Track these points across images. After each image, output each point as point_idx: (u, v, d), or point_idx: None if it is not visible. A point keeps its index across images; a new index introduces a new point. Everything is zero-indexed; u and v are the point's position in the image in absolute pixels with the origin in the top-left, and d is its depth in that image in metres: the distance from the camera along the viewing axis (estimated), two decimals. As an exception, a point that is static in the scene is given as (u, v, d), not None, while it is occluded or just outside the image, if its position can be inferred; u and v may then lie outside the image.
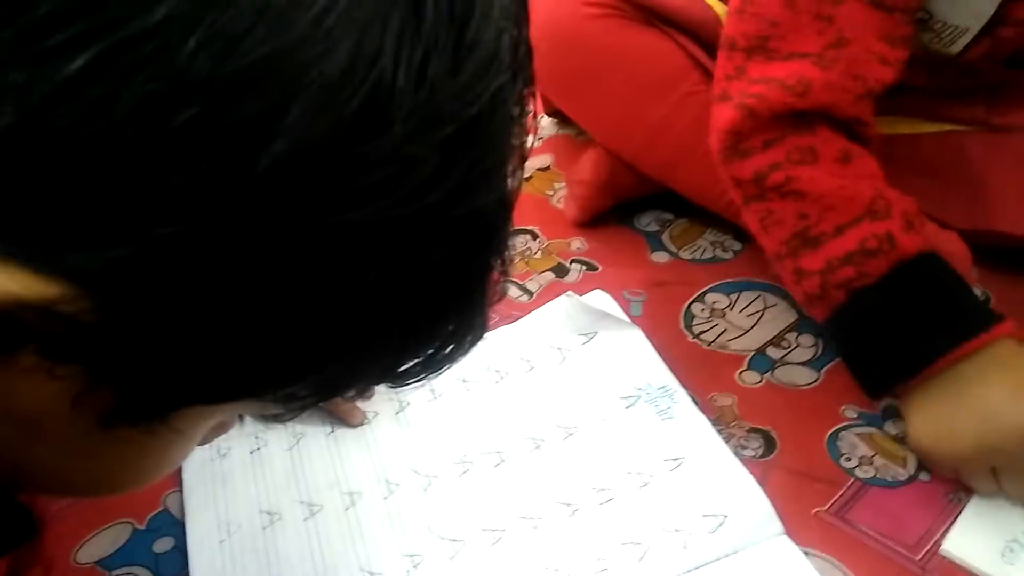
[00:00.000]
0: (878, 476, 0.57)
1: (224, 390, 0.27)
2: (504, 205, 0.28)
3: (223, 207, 0.21)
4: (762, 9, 0.56)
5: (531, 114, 0.28)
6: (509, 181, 0.28)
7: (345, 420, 0.62)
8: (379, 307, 0.25)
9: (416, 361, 0.30)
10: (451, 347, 0.30)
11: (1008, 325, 0.53)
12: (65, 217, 0.21)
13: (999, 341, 0.52)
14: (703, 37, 0.72)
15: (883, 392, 0.57)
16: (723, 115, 0.57)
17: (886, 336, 0.54)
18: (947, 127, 0.70)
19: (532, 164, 0.91)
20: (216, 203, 0.21)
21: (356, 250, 0.23)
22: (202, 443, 0.36)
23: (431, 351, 0.30)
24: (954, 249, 0.62)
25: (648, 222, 0.82)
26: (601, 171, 0.77)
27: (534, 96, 0.27)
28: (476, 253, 0.27)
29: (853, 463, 0.58)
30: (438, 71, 0.21)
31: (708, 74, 0.71)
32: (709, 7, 0.72)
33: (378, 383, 0.33)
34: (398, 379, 0.31)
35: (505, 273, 0.31)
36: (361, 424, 0.62)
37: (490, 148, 0.24)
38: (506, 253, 0.30)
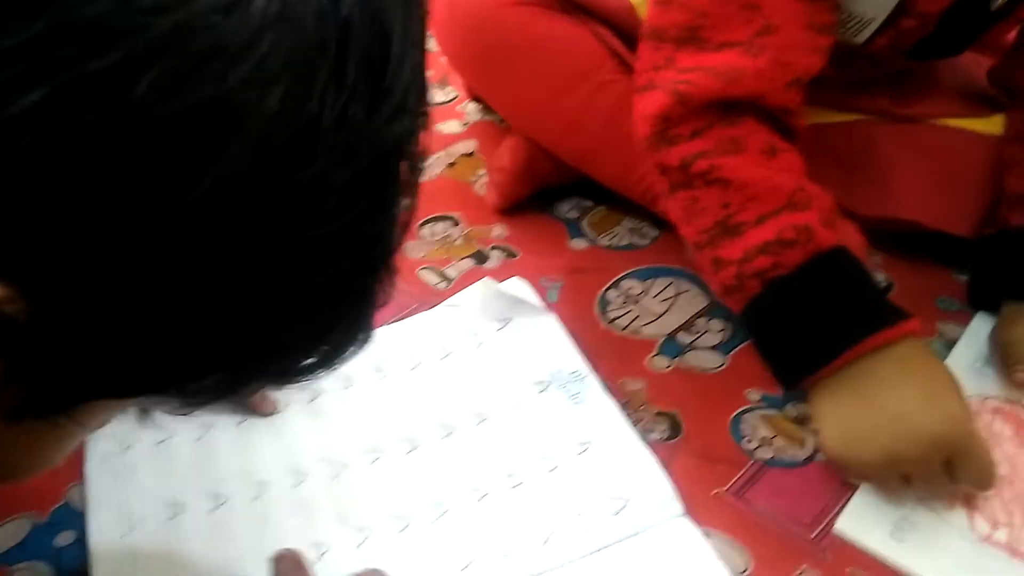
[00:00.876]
0: (777, 457, 0.58)
1: (132, 386, 0.29)
2: (399, 226, 0.31)
3: (164, 225, 0.24)
4: (691, 0, 0.56)
5: (423, 153, 0.31)
6: (404, 203, 0.31)
7: (256, 410, 0.61)
8: (285, 312, 0.28)
9: (312, 360, 0.32)
10: (344, 347, 0.33)
11: (914, 323, 0.54)
12: (12, 227, 0.23)
13: (906, 340, 0.53)
14: (619, 26, 0.72)
15: (794, 383, 0.57)
16: (652, 101, 0.57)
17: (797, 327, 0.55)
18: (854, 117, 0.72)
19: (456, 150, 0.91)
20: (156, 222, 0.24)
21: (276, 262, 0.26)
22: (91, 431, 0.37)
23: (327, 351, 0.32)
24: (851, 239, 0.63)
25: (568, 209, 0.82)
26: (520, 158, 0.77)
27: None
28: (374, 266, 0.30)
29: (754, 444, 0.59)
30: (357, 114, 0.25)
31: (624, 63, 0.72)
32: (626, -5, 0.73)
33: (276, 382, 0.36)
34: (295, 376, 0.33)
35: (391, 280, 0.34)
36: (272, 414, 0.61)
37: (394, 178, 0.28)
38: (392, 264, 0.33)
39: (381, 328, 0.68)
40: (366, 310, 0.32)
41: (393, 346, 0.66)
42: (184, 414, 0.58)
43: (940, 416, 0.51)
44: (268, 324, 0.28)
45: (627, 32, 0.73)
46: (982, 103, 0.70)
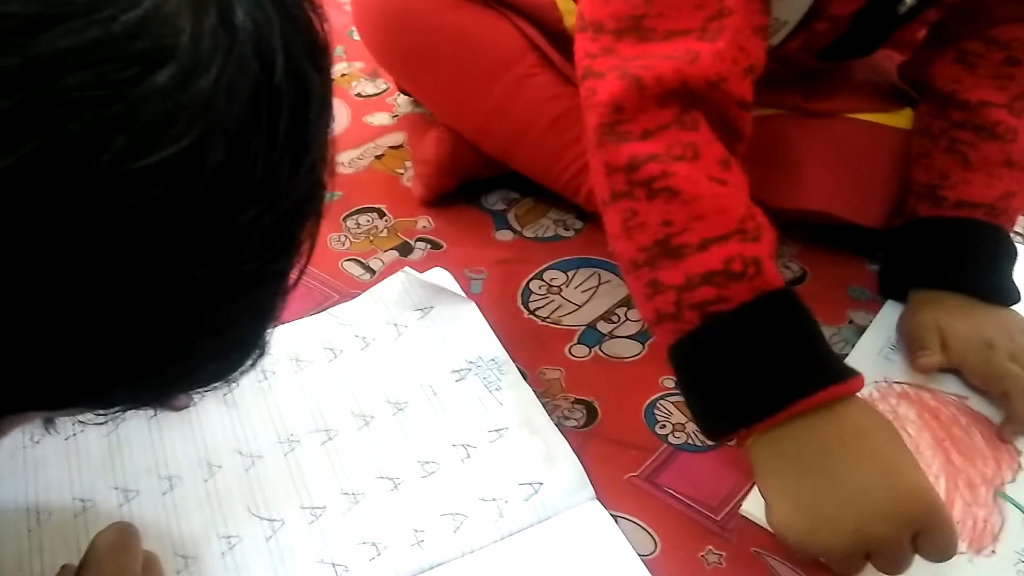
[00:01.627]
0: (689, 442, 0.60)
1: (56, 402, 0.31)
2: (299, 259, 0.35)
3: (118, 264, 0.26)
4: None
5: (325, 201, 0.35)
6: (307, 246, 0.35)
7: (169, 404, 0.60)
8: (202, 333, 0.31)
9: (214, 373, 0.35)
10: (245, 360, 0.35)
11: (860, 380, 0.49)
12: None
13: (852, 400, 0.49)
14: (539, 20, 0.73)
15: (725, 433, 0.52)
16: (604, 87, 0.51)
17: (737, 371, 0.49)
18: (768, 111, 0.73)
19: (384, 142, 0.91)
20: (112, 262, 0.26)
21: (209, 292, 0.29)
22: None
23: (230, 365, 0.35)
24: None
25: (495, 201, 0.83)
26: (444, 151, 0.77)
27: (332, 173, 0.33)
28: (279, 291, 0.34)
29: (667, 430, 0.60)
30: (282, 170, 0.29)
31: (544, 57, 0.73)
32: (546, -12, 0.73)
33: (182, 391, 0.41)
34: (195, 387, 0.37)
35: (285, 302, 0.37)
36: (186, 407, 0.60)
37: (303, 222, 0.32)
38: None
39: (301, 320, 0.68)
40: (265, 328, 0.35)
41: (312, 337, 0.66)
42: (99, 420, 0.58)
43: (909, 492, 0.47)
44: (186, 344, 0.31)
45: (548, 26, 0.73)
46: (892, 98, 0.73)
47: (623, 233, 0.52)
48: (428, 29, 0.72)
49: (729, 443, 0.56)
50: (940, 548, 0.47)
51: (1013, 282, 0.65)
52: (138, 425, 0.60)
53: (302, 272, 0.34)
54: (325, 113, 0.31)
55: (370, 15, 0.76)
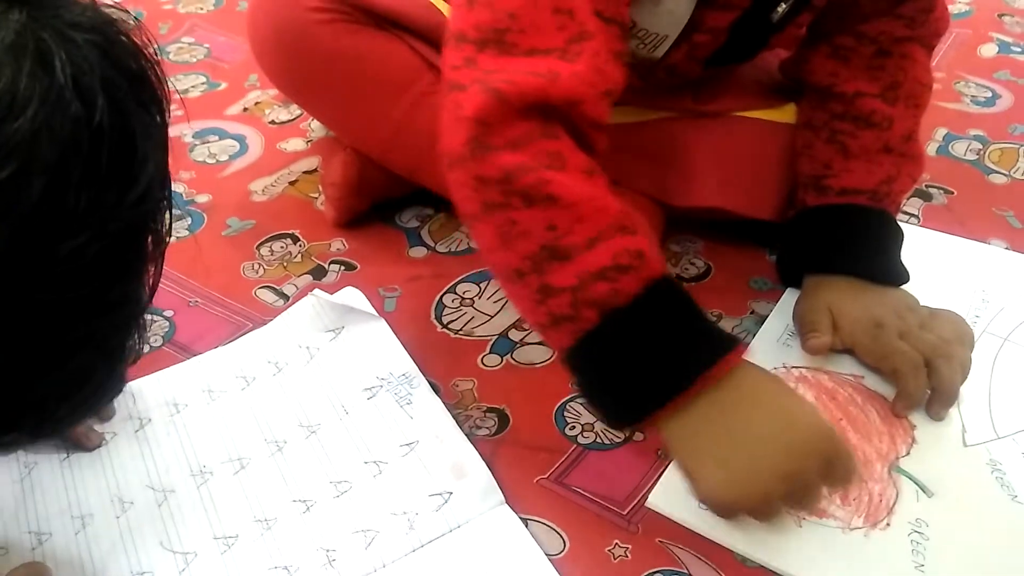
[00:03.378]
0: (597, 440, 0.61)
1: None
2: (146, 290, 0.37)
3: None
4: (498, 1, 0.53)
5: (167, 229, 0.38)
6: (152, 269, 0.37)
7: (81, 444, 0.60)
8: (43, 365, 0.32)
9: (68, 410, 0.37)
10: (97, 398, 0.38)
11: (743, 345, 0.52)
12: None
13: (742, 367, 0.51)
14: (433, 39, 0.74)
15: (635, 421, 0.53)
16: (468, 101, 0.51)
17: (642, 360, 0.51)
18: (661, 115, 0.75)
19: (298, 167, 0.92)
20: None
21: (37, 320, 0.30)
22: None
23: (81, 402, 0.37)
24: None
25: (409, 218, 0.84)
26: (351, 173, 0.78)
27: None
28: (123, 325, 0.35)
29: (576, 431, 0.62)
30: (108, 199, 0.30)
31: (441, 74, 0.74)
32: (437, 10, 0.74)
33: (33, 433, 0.40)
34: (52, 426, 0.40)
35: (143, 339, 0.40)
36: (98, 447, 0.61)
37: (139, 251, 0.34)
38: (142, 325, 0.39)
39: (213, 351, 0.68)
40: (117, 365, 0.36)
41: (224, 368, 0.66)
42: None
43: (807, 429, 0.51)
44: (28, 377, 0.32)
45: (441, 44, 0.75)
46: (777, 94, 0.75)
47: (501, 244, 0.52)
48: (325, 56, 0.73)
49: (638, 432, 0.59)
50: (843, 474, 0.51)
51: (900, 262, 0.67)
52: (50, 468, 0.60)
53: (151, 294, 0.35)
54: (153, 147, 0.33)
55: (267, 44, 0.77)
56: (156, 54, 0.35)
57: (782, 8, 0.64)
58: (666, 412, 0.51)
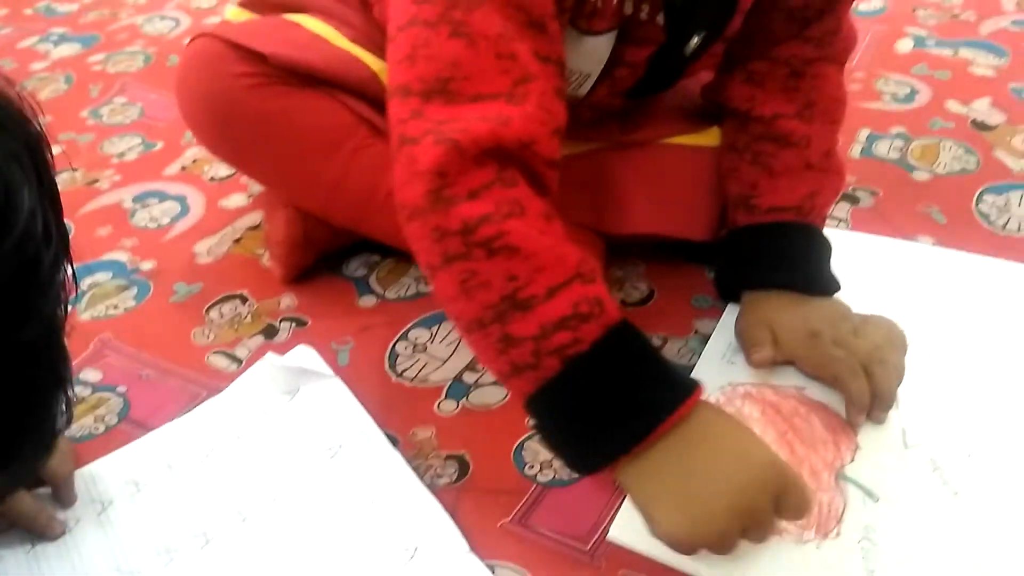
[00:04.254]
0: (556, 477, 0.63)
1: None
2: (50, 345, 0.36)
3: None
4: (439, 52, 0.54)
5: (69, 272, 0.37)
6: (54, 320, 0.36)
7: (44, 534, 0.60)
8: None
9: None
10: (14, 459, 0.36)
11: (700, 387, 0.54)
12: None
13: (699, 406, 0.53)
14: (364, 93, 0.75)
15: (603, 465, 0.53)
16: (423, 155, 0.52)
17: (603, 406, 0.52)
18: (591, 146, 0.77)
19: (242, 224, 0.92)
20: None
21: None
22: None
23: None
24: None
25: (356, 267, 0.85)
26: (295, 230, 0.79)
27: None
28: (35, 377, 0.34)
29: (535, 470, 0.63)
30: None
31: (375, 127, 0.75)
32: (365, 64, 0.76)
33: None
34: None
35: (69, 418, 0.39)
36: (61, 534, 0.61)
37: (27, 293, 0.33)
38: (67, 387, 0.37)
39: (169, 424, 0.68)
40: (33, 428, 0.35)
41: (183, 441, 0.67)
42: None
43: (760, 464, 0.52)
44: None
45: (374, 98, 0.76)
46: (700, 118, 0.78)
47: (462, 294, 0.53)
48: (256, 120, 0.74)
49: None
50: (797, 506, 0.53)
51: (831, 272, 0.70)
52: (16, 561, 0.59)
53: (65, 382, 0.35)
54: (32, 194, 0.33)
55: (197, 113, 0.77)
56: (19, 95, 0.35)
57: (695, 41, 0.66)
58: (626, 458, 0.52)
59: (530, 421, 0.54)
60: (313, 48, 0.76)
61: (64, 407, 0.37)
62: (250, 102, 0.73)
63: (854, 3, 0.71)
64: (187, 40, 0.81)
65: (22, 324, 0.33)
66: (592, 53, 0.66)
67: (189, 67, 0.77)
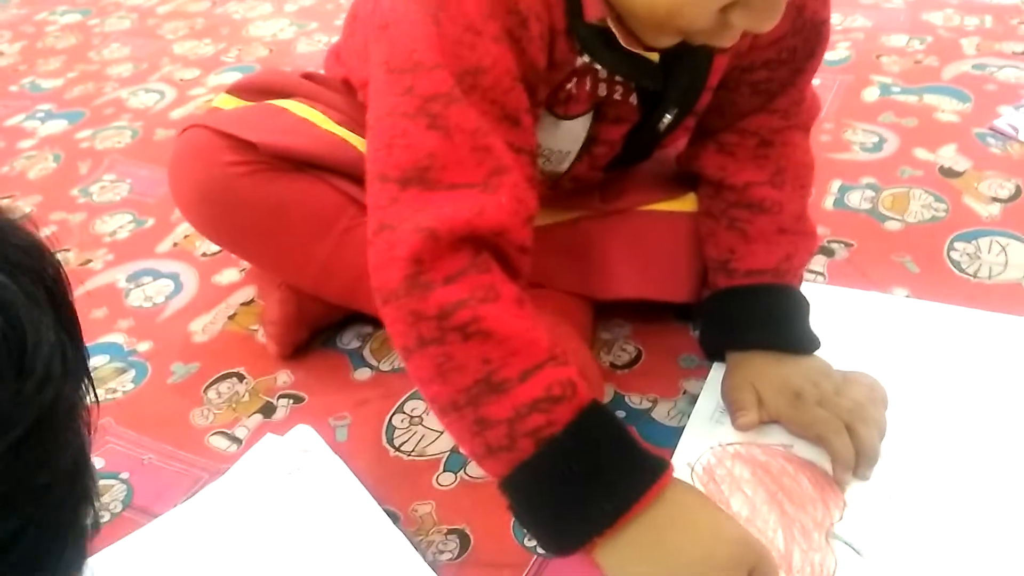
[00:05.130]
0: (555, 549, 0.64)
1: None
2: (77, 466, 0.36)
3: None
4: (417, 142, 0.56)
5: (90, 402, 0.37)
6: (78, 443, 0.36)
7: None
8: None
9: None
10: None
11: (671, 468, 0.56)
12: None
13: (674, 483, 0.55)
14: (352, 174, 0.77)
15: (578, 546, 0.55)
16: (401, 242, 0.54)
17: (577, 488, 0.53)
18: (575, 215, 0.80)
19: (235, 300, 0.94)
20: None
21: None
22: None
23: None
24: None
25: (350, 339, 0.87)
26: (289, 310, 0.81)
27: (90, 380, 0.36)
28: (64, 502, 0.35)
29: (534, 542, 0.65)
30: (3, 396, 0.31)
31: (363, 207, 0.77)
32: (352, 145, 0.78)
33: None
34: None
35: (96, 524, 0.38)
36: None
37: (53, 435, 0.34)
38: (93, 498, 0.38)
39: (172, 511, 0.70)
40: (72, 542, 0.36)
41: (186, 527, 0.68)
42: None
43: (732, 542, 0.54)
44: None
45: (361, 178, 0.78)
46: (677, 185, 0.80)
47: (437, 377, 0.55)
48: (249, 206, 0.76)
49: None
50: None
51: (810, 330, 0.72)
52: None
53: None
54: (47, 334, 0.33)
55: (191, 201, 0.79)
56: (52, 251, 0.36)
57: (667, 118, 0.69)
58: (601, 539, 0.54)
59: (508, 506, 0.57)
60: (301, 133, 0.79)
61: (93, 518, 0.38)
62: (243, 190, 0.75)
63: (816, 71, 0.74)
64: (178, 130, 0.83)
65: (50, 460, 0.34)
66: (570, 134, 0.69)
67: (181, 157, 0.79)
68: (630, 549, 0.54)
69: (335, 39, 1.52)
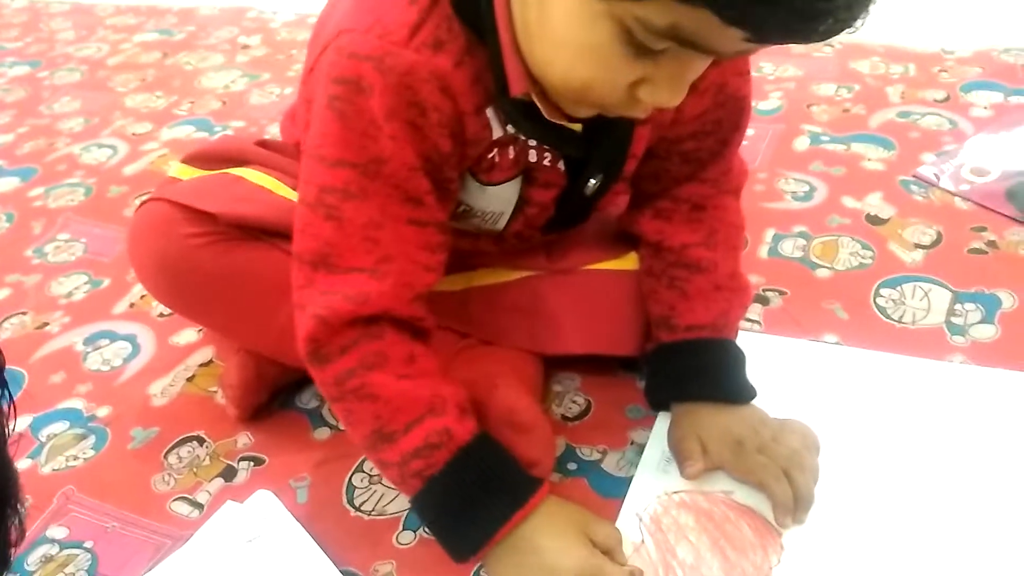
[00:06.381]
0: (511, 603, 0.67)
1: None
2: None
3: None
4: (318, 231, 0.64)
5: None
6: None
7: None
8: None
9: None
10: None
11: (547, 486, 0.68)
12: None
13: (547, 498, 0.67)
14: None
15: (469, 557, 0.67)
16: (303, 325, 0.65)
17: (459, 513, 0.65)
18: (524, 273, 0.84)
19: (194, 361, 0.95)
20: None
21: None
22: None
23: None
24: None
25: (309, 399, 0.89)
26: (248, 372, 0.83)
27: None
28: None
29: (491, 597, 0.68)
30: None
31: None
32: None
33: None
34: None
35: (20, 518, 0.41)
36: None
37: None
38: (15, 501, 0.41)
39: (137, 581, 0.71)
40: None
41: (152, 597, 0.69)
42: None
43: (573, 553, 0.65)
44: None
45: None
46: (619, 244, 0.85)
47: (348, 426, 0.68)
48: (207, 276, 0.78)
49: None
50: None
51: (747, 381, 0.77)
52: None
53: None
54: None
55: (149, 272, 0.81)
56: None
57: (592, 184, 0.74)
58: (485, 550, 0.65)
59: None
60: (257, 201, 0.81)
61: (17, 522, 0.40)
62: (202, 260, 0.78)
63: (744, 136, 0.80)
64: (133, 193, 0.85)
65: None
66: (499, 197, 0.73)
67: (140, 230, 0.81)
68: (497, 567, 0.67)
69: (288, 90, 1.57)
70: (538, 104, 0.63)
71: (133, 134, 1.47)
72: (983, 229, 1.01)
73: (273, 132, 1.41)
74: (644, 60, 0.54)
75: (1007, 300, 0.91)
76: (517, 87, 0.61)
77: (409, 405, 0.65)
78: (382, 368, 0.65)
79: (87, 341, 1.00)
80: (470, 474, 0.65)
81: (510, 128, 0.66)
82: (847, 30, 0.48)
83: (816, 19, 0.46)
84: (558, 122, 0.65)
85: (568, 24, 0.53)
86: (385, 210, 0.63)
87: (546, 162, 0.71)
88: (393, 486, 0.71)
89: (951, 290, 0.93)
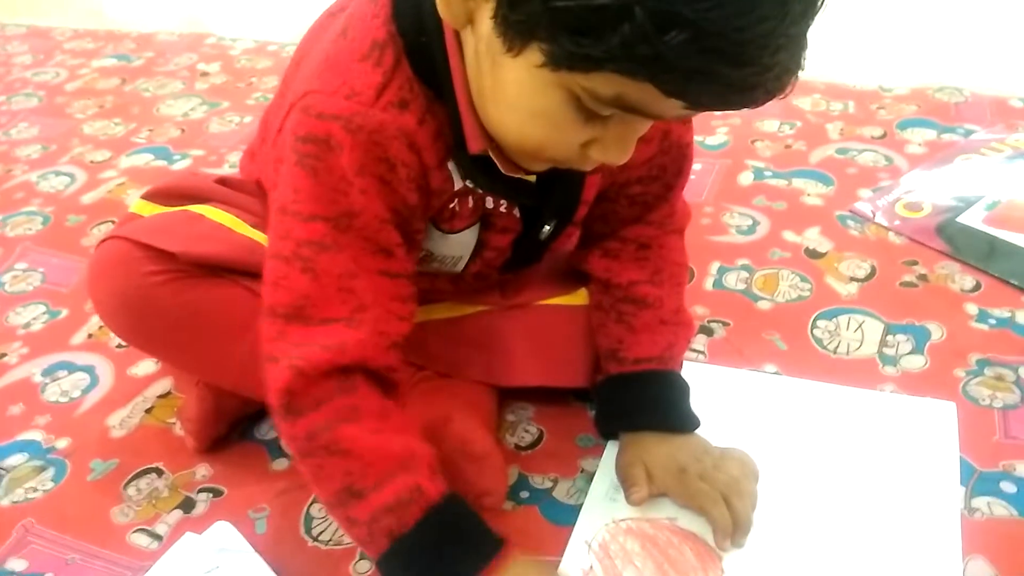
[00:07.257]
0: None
1: None
2: None
3: None
4: (293, 284, 0.64)
5: None
6: None
7: None
8: None
9: None
10: None
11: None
12: None
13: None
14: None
15: None
16: (276, 376, 0.64)
17: (428, 571, 0.64)
18: (480, 308, 0.87)
19: (152, 392, 0.96)
20: None
21: None
22: None
23: None
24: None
25: (267, 430, 0.90)
26: (207, 405, 0.85)
27: None
28: None
29: (445, 624, 0.70)
30: None
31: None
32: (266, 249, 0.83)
33: None
34: None
35: None
36: None
37: None
38: None
39: (97, 614, 0.72)
40: None
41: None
42: None
43: None
44: None
45: None
46: (571, 281, 0.88)
47: (315, 482, 0.66)
48: (168, 313, 0.79)
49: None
50: None
51: (691, 411, 0.81)
52: None
53: None
54: None
55: (110, 309, 0.83)
56: None
57: (547, 229, 0.77)
58: None
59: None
60: (217, 239, 0.83)
61: None
62: (162, 298, 0.79)
63: (687, 181, 0.84)
64: (94, 232, 0.87)
65: None
66: (459, 243, 0.77)
67: (101, 268, 0.82)
68: None
69: (248, 119, 1.58)
70: (495, 160, 0.66)
71: (91, 162, 1.48)
72: (915, 263, 1.07)
73: (232, 161, 1.43)
74: (593, 123, 0.57)
75: (936, 332, 0.96)
76: (475, 145, 0.64)
77: (380, 461, 0.64)
78: (356, 422, 0.64)
79: (45, 372, 1.01)
80: (440, 533, 0.64)
81: (468, 182, 0.69)
82: (778, 96, 0.52)
83: (749, 91, 0.50)
84: (514, 175, 0.68)
85: (520, 91, 0.56)
86: (358, 261, 0.64)
87: (503, 209, 0.74)
88: (358, 544, 0.69)
89: (883, 322, 0.98)
